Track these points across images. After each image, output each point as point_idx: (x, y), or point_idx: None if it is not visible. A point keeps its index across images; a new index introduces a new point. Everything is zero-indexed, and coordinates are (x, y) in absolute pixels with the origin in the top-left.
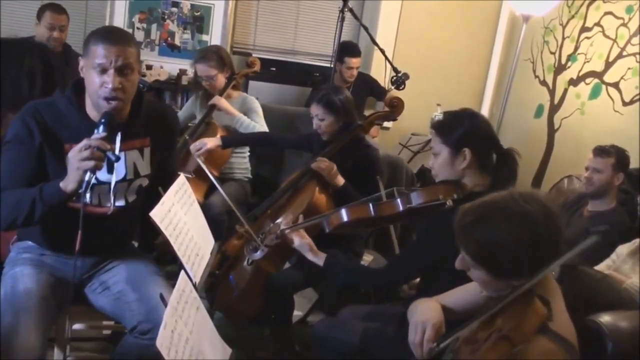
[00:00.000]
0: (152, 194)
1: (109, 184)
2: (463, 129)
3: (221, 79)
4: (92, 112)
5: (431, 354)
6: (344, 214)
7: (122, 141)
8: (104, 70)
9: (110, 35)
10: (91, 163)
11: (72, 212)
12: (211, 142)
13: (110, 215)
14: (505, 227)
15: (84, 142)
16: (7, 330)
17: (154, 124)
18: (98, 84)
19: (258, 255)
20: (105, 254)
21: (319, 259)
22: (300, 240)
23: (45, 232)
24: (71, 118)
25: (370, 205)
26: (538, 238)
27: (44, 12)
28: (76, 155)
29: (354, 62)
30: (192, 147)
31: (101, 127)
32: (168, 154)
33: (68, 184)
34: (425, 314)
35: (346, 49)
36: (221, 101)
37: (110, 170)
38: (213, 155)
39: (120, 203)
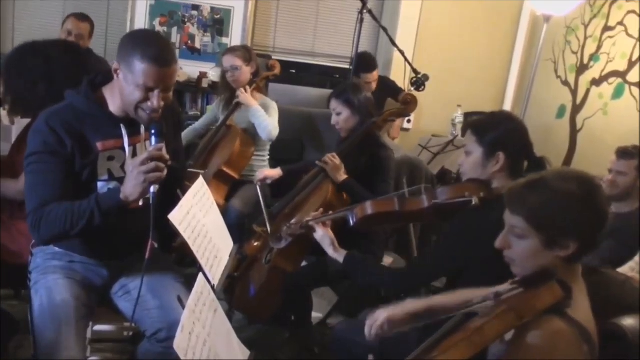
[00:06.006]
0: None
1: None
2: (500, 131)
3: (246, 72)
4: (117, 111)
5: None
6: (369, 207)
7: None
8: (149, 90)
9: (161, 57)
10: (158, 174)
11: None
12: (272, 172)
13: (138, 207)
14: (560, 185)
15: (146, 154)
16: (49, 344)
17: (164, 109)
18: (139, 98)
19: (282, 244)
20: (130, 255)
21: (339, 255)
22: (323, 233)
23: (77, 237)
24: (95, 117)
25: (396, 199)
26: (590, 196)
27: (68, 18)
28: (140, 168)
29: (370, 77)
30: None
31: (153, 139)
32: (177, 141)
33: (129, 195)
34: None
35: (361, 65)
36: (243, 94)
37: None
38: (235, 158)
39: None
